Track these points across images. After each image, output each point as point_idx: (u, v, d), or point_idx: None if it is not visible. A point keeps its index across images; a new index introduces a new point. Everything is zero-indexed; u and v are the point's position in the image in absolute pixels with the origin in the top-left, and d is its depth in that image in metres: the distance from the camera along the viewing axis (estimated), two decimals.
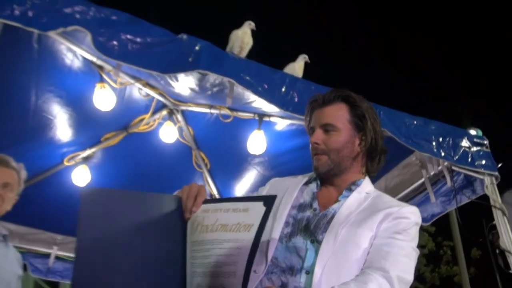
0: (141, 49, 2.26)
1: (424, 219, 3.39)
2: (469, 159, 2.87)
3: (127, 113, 3.66)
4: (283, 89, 2.53)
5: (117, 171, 4.03)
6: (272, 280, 1.45)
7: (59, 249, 4.35)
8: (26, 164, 3.67)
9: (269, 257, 1.48)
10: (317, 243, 1.49)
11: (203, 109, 3.59)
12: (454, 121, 3.10)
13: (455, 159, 2.83)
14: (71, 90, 3.19)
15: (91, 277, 1.31)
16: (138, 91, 3.43)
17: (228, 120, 3.53)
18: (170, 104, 3.61)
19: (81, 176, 3.86)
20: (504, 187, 3.12)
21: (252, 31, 2.77)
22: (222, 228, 1.42)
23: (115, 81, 3.14)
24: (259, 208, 1.40)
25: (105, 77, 3.06)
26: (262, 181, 3.83)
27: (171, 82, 3.01)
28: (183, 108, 3.68)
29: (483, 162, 2.91)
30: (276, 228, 1.54)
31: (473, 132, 3.06)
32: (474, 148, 2.92)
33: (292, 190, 1.68)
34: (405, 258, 1.47)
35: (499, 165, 3.28)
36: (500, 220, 2.79)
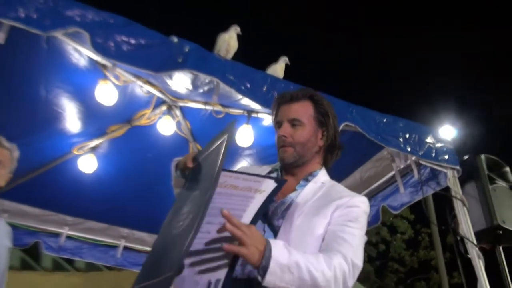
0: (135, 49, 2.25)
1: (394, 208, 3.41)
2: (433, 154, 2.87)
3: (130, 107, 3.66)
4: (265, 88, 2.52)
5: (121, 160, 4.03)
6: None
7: (70, 229, 4.35)
8: (39, 153, 3.76)
9: None
10: (273, 227, 1.50)
11: (199, 105, 3.59)
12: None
13: (420, 154, 2.83)
14: (78, 86, 3.19)
15: None
16: (140, 88, 3.43)
17: (220, 116, 3.52)
18: (169, 100, 3.60)
19: (88, 164, 3.86)
20: (466, 179, 3.13)
21: (238, 35, 2.76)
22: (231, 187, 1.45)
23: (117, 78, 3.15)
24: (271, 183, 1.43)
25: (108, 74, 3.05)
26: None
27: (167, 80, 3.01)
28: (181, 104, 3.68)
29: (446, 157, 2.91)
30: None
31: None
32: (439, 144, 2.92)
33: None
34: (357, 245, 1.47)
35: (466, 157, 3.29)
36: (460, 210, 2.80)
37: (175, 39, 2.35)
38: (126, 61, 2.25)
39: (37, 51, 2.80)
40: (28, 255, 7.42)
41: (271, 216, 1.54)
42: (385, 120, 2.80)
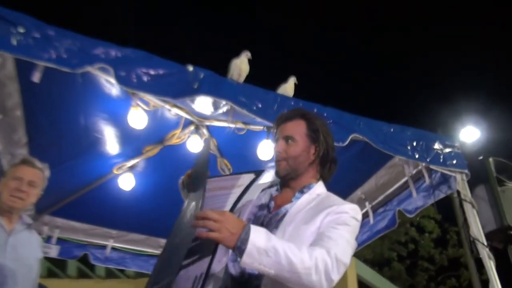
0: (155, 79, 2.32)
1: (409, 211, 3.32)
2: (441, 160, 2.79)
3: (162, 129, 3.74)
4: (275, 107, 2.54)
5: (156, 177, 4.10)
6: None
7: (114, 241, 4.45)
8: (83, 174, 3.89)
9: None
10: None
11: (223, 124, 3.63)
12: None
13: (428, 160, 2.76)
14: (112, 113, 3.29)
15: None
16: (168, 112, 3.51)
17: (242, 132, 3.55)
18: (195, 120, 3.66)
19: (128, 182, 3.96)
20: (476, 182, 3.02)
21: (249, 59, 2.80)
22: (218, 189, 1.62)
23: (147, 104, 3.23)
24: (249, 176, 1.58)
25: (138, 102, 3.14)
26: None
27: (191, 104, 3.07)
28: (207, 123, 3.73)
29: (454, 161, 2.82)
30: None
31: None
32: (446, 150, 2.84)
33: (257, 191, 1.73)
34: (343, 244, 1.45)
35: (480, 158, 3.18)
36: (469, 212, 2.70)
37: (190, 68, 2.40)
38: (147, 91, 2.32)
39: (74, 84, 2.91)
40: (84, 264, 7.66)
41: (266, 226, 1.55)
42: (392, 130, 2.76)
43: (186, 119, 3.64)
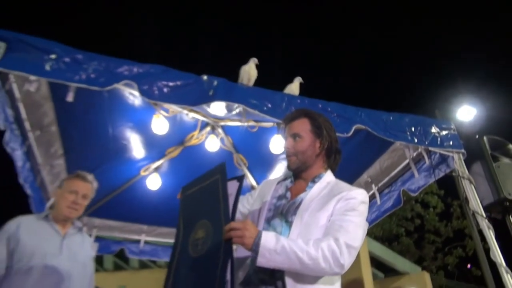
0: (174, 90, 2.39)
1: (412, 190, 3.37)
2: (439, 142, 2.83)
3: (181, 131, 3.83)
4: (284, 106, 2.60)
5: (180, 175, 4.20)
6: None
7: (146, 236, 4.58)
8: (114, 178, 4.00)
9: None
10: (289, 223, 1.61)
11: (236, 123, 3.71)
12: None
13: (426, 143, 2.80)
14: (137, 122, 3.40)
15: None
16: (186, 116, 3.60)
17: (254, 130, 3.62)
18: (211, 122, 3.75)
19: (154, 182, 4.07)
20: (473, 159, 3.06)
21: (256, 65, 2.86)
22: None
23: (166, 111, 3.32)
24: (234, 184, 1.59)
25: (159, 110, 3.24)
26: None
27: (207, 108, 3.14)
28: (222, 123, 3.81)
29: (451, 142, 2.86)
30: (262, 213, 1.70)
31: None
32: (443, 132, 2.88)
33: (272, 185, 1.82)
34: (353, 229, 1.54)
35: (477, 136, 3.21)
36: (468, 188, 2.75)
37: (204, 77, 2.48)
38: (167, 101, 2.39)
39: (101, 99, 3.02)
40: (119, 258, 7.84)
41: (285, 213, 1.65)
42: (391, 118, 2.80)
43: (202, 121, 3.74)
